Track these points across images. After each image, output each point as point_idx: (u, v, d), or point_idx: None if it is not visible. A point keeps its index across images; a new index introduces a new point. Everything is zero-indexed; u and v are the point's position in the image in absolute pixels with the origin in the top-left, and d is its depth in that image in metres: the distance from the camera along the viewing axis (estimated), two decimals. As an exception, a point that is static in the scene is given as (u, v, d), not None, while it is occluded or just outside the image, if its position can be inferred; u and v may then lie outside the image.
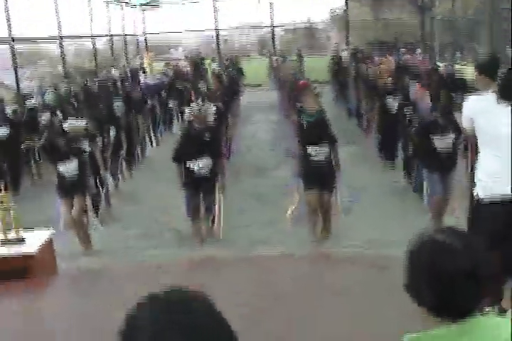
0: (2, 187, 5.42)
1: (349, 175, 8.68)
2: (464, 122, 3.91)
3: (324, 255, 6.12)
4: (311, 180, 7.08)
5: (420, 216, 7.42)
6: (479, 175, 3.78)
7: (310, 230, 7.17)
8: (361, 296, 4.58)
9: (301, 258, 5.91)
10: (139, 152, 11.18)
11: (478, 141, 3.82)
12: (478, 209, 3.83)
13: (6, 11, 13.66)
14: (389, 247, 6.58)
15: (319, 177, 7.03)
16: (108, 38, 21.07)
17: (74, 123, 7.90)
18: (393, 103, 10.03)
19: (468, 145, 4.08)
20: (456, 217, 6.61)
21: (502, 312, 3.90)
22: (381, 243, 6.75)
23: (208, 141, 7.49)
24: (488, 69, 3.91)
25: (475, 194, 3.83)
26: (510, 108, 3.68)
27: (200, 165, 7.11)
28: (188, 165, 7.14)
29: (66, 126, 7.74)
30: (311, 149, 7.00)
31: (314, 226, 7.20)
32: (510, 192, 3.62)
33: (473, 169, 4.00)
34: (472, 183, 3.96)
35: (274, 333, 4.31)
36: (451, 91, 10.80)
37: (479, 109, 3.79)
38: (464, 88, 10.57)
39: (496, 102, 3.71)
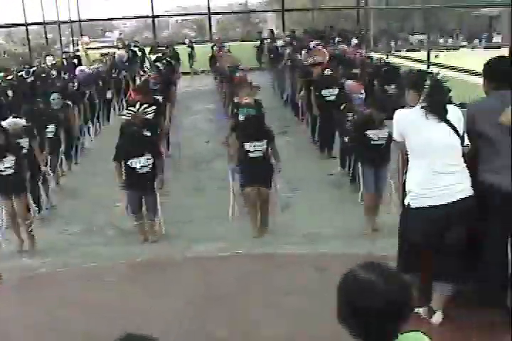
0: None
1: (285, 166, 8.87)
2: (395, 135, 4.13)
3: (265, 255, 6.29)
4: (249, 175, 7.20)
5: (357, 208, 7.67)
6: (410, 185, 4.01)
7: (250, 226, 7.31)
8: (302, 297, 4.79)
9: (241, 258, 6.08)
10: (78, 145, 11.10)
11: (409, 153, 4.04)
12: (409, 216, 4.07)
13: None
14: (327, 242, 6.85)
15: (257, 173, 7.14)
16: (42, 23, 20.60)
17: (13, 122, 7.83)
18: (328, 94, 10.27)
19: (399, 157, 4.32)
20: (388, 213, 6.91)
21: (432, 312, 4.18)
22: (320, 238, 6.96)
23: (148, 138, 7.54)
24: (415, 84, 4.13)
25: (405, 203, 4.06)
26: (437, 122, 3.92)
27: (142, 162, 7.11)
28: (129, 164, 7.13)
29: (5, 124, 7.64)
30: (248, 145, 7.13)
31: (253, 222, 7.34)
32: (439, 203, 3.87)
33: (404, 179, 4.21)
34: (403, 193, 4.19)
35: (217, 334, 4.48)
36: (384, 83, 11.17)
37: (409, 123, 4.01)
38: (396, 79, 10.88)
39: (424, 116, 3.93)
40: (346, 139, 8.46)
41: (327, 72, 10.67)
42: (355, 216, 7.46)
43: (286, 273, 5.41)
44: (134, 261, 6.47)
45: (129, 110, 7.56)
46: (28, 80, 13.65)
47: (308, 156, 10.63)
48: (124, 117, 7.82)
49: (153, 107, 8.11)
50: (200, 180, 9.57)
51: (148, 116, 7.72)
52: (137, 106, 7.52)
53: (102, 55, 15.95)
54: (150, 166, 7.13)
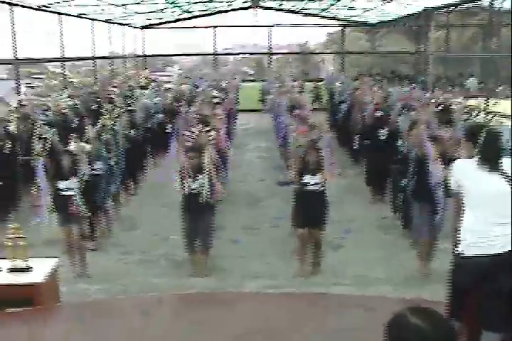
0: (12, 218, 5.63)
1: (338, 207, 8.97)
2: (452, 184, 4.26)
3: (315, 294, 6.37)
4: (302, 215, 7.37)
5: (407, 253, 7.77)
6: (463, 233, 4.11)
7: (300, 263, 7.43)
8: (352, 335, 4.85)
9: (291, 296, 6.17)
10: (139, 175, 11.44)
11: (465, 202, 4.16)
12: (460, 264, 4.16)
13: (13, 32, 13.91)
14: (377, 285, 6.92)
15: (311, 212, 7.30)
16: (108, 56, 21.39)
17: (79, 145, 8.05)
18: (380, 134, 10.39)
19: (454, 205, 4.44)
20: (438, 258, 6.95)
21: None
22: (369, 280, 7.07)
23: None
24: (470, 136, 4.27)
25: (457, 250, 4.15)
26: (491, 173, 4.03)
27: (197, 184, 7.28)
28: (187, 184, 7.27)
29: (72, 147, 7.88)
30: (307, 178, 7.27)
31: (304, 260, 7.45)
32: (490, 253, 3.96)
33: (457, 228, 4.31)
34: (455, 242, 4.28)
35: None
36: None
37: (464, 173, 4.15)
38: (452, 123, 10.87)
39: (479, 168, 4.06)
40: (404, 181, 8.36)
41: (379, 113, 10.84)
42: (406, 260, 7.54)
43: (335, 312, 5.48)
44: (188, 293, 6.61)
45: (191, 132, 7.79)
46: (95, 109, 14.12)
47: (361, 198, 10.71)
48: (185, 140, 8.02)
49: (213, 134, 8.32)
50: (254, 217, 9.75)
51: (210, 139, 7.92)
52: (196, 129, 7.75)
53: (164, 88, 16.39)
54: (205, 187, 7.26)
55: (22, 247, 5.52)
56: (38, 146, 9.81)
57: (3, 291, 5.27)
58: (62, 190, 7.40)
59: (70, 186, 7.38)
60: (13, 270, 5.53)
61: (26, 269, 5.58)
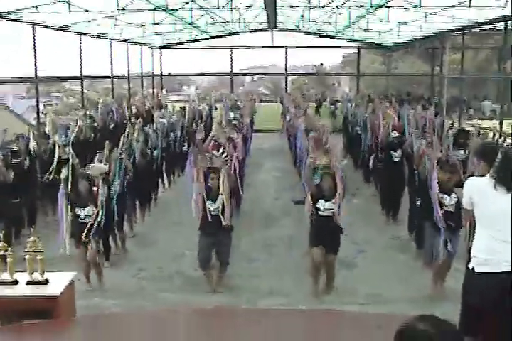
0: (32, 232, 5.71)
1: (352, 227, 9.01)
2: (464, 203, 4.31)
3: (327, 311, 6.39)
4: (316, 235, 7.42)
5: (421, 272, 7.77)
6: (474, 251, 4.15)
7: (313, 284, 7.44)
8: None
9: (304, 313, 6.20)
10: (153, 194, 11.52)
11: (476, 219, 4.20)
12: (472, 281, 4.19)
13: (33, 51, 14.18)
14: (389, 304, 6.93)
15: (324, 234, 7.33)
16: (126, 74, 21.64)
17: (97, 167, 8.20)
18: (394, 156, 10.44)
19: (466, 223, 4.47)
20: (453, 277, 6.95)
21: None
22: (382, 299, 7.08)
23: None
24: (486, 156, 4.32)
25: (469, 267, 4.19)
26: (505, 193, 4.07)
27: (216, 205, 7.41)
28: (206, 205, 7.38)
29: (90, 169, 8.03)
30: (320, 204, 7.36)
31: (314, 283, 7.45)
32: (501, 270, 3.99)
33: (469, 244, 4.35)
34: (468, 258, 4.32)
35: None
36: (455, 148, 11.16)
37: (477, 191, 4.18)
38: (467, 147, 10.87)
39: (493, 187, 4.10)
40: (418, 202, 8.41)
41: (394, 133, 10.86)
42: (419, 280, 7.55)
43: (349, 329, 5.50)
44: (199, 311, 6.64)
45: (211, 154, 7.95)
46: (111, 128, 14.35)
47: (375, 219, 10.74)
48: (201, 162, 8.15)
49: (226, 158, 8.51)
50: (268, 237, 9.78)
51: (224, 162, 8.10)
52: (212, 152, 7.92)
53: (181, 108, 16.47)
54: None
55: (40, 260, 5.59)
56: (57, 168, 9.97)
57: (21, 304, 5.34)
58: (81, 218, 7.55)
59: (88, 214, 7.52)
60: (30, 283, 5.60)
61: (44, 282, 5.64)
